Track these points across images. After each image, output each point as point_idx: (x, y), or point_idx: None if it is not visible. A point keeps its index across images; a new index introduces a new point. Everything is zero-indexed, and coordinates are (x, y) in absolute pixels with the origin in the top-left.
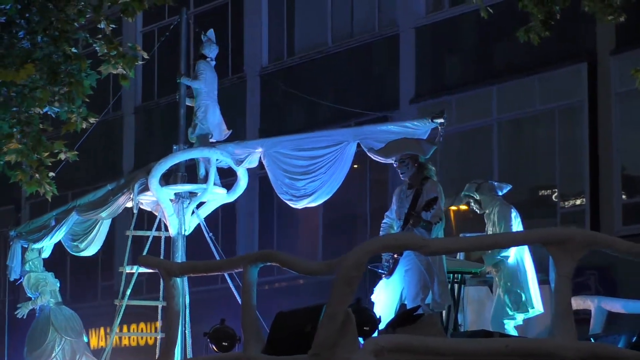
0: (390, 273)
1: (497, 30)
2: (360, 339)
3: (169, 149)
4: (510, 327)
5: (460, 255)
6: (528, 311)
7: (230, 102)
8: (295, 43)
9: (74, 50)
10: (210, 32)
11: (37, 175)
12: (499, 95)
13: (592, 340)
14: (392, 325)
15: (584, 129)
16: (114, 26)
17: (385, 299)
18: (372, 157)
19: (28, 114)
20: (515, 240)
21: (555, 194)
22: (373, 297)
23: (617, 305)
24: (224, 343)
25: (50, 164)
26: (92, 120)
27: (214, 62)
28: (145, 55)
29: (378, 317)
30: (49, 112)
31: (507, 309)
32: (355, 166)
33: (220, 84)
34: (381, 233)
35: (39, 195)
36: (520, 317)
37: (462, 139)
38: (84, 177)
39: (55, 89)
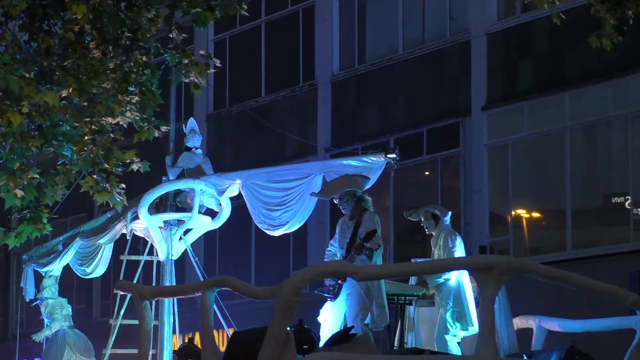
0: (335, 296)
1: (569, 36)
2: (301, 356)
3: (241, 156)
4: (452, 343)
5: (412, 280)
6: (467, 328)
7: (301, 110)
8: (366, 50)
9: (145, 59)
10: (191, 122)
11: (107, 185)
12: (571, 101)
13: (525, 357)
14: (328, 343)
15: None
16: (185, 35)
17: (331, 320)
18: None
19: (99, 123)
20: (444, 267)
21: (629, 200)
22: (319, 319)
23: (555, 325)
24: None
25: (120, 173)
26: (163, 128)
27: (199, 151)
28: (218, 63)
29: (317, 336)
30: (120, 122)
31: (449, 325)
32: (427, 173)
33: (291, 92)
34: (326, 260)
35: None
36: (461, 334)
37: (534, 146)
38: (155, 183)
39: (126, 98)
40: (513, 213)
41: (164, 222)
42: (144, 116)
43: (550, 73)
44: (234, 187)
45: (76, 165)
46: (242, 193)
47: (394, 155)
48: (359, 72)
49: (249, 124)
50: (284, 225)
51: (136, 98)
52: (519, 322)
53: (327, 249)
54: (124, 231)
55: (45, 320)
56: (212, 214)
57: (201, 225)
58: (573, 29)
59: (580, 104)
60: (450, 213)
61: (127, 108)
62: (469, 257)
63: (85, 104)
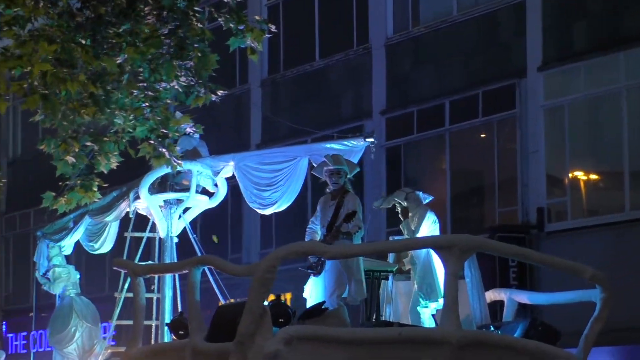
0: (319, 272)
1: None
2: (277, 329)
3: (296, 120)
4: (425, 315)
5: (390, 257)
6: (437, 300)
7: (355, 74)
8: (420, 12)
9: (199, 25)
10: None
11: (164, 150)
12: (627, 60)
13: (492, 328)
14: (302, 317)
15: None
16: (239, 0)
17: (316, 295)
18: (324, 159)
19: (155, 88)
20: (408, 246)
21: None
22: (305, 295)
23: (524, 297)
24: (180, 332)
25: (177, 137)
26: (220, 92)
27: (196, 135)
28: (273, 29)
29: (293, 310)
30: (176, 86)
31: (420, 299)
32: (483, 135)
33: (345, 56)
34: (306, 238)
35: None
36: (433, 305)
37: (591, 106)
38: (213, 150)
39: (181, 64)
40: (570, 175)
41: (164, 201)
42: (200, 81)
43: (605, 32)
44: (228, 168)
45: (129, 133)
46: (235, 174)
47: (372, 139)
48: (413, 35)
49: (304, 88)
50: (273, 204)
51: (191, 63)
52: (491, 295)
53: (308, 226)
54: (128, 209)
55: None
56: (209, 193)
57: (199, 204)
58: None
59: (636, 63)
60: (429, 197)
61: (182, 73)
62: (432, 237)
63: (141, 70)
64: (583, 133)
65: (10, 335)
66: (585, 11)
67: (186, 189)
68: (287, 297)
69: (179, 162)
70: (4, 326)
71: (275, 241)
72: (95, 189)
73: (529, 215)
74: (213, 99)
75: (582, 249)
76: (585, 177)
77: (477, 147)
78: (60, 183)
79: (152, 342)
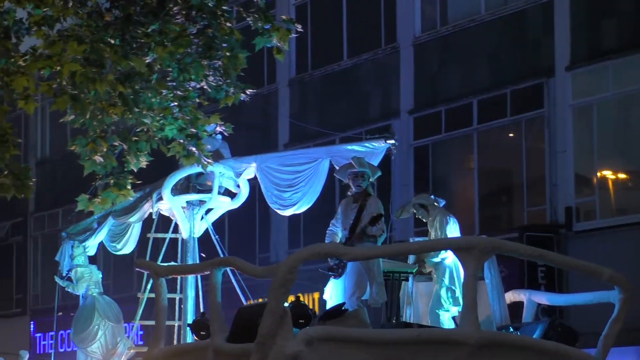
0: (340, 275)
1: None
2: (297, 330)
3: (324, 120)
4: (445, 317)
5: (410, 258)
6: (460, 304)
7: (383, 73)
8: (448, 11)
9: (228, 24)
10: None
11: (194, 149)
12: None
13: (511, 329)
14: (322, 318)
15: None
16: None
17: (336, 297)
18: (350, 162)
19: (184, 88)
20: (429, 247)
21: None
22: (325, 296)
23: (543, 298)
24: (202, 332)
25: (206, 136)
26: (249, 91)
27: (219, 136)
28: (299, 29)
29: (313, 311)
30: (204, 86)
31: (443, 302)
32: (511, 135)
33: (373, 55)
34: (326, 240)
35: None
36: (454, 310)
37: (619, 105)
38: (240, 150)
39: (210, 63)
40: (599, 174)
41: (187, 202)
42: (228, 80)
43: (634, 31)
44: (250, 169)
45: (159, 132)
46: (257, 175)
47: (393, 141)
48: (441, 34)
49: (331, 88)
50: (294, 205)
51: (220, 62)
52: (511, 296)
53: (329, 228)
54: (151, 210)
55: (73, 286)
56: (231, 194)
57: (221, 205)
58: None
59: None
60: (443, 201)
61: (210, 73)
62: (452, 238)
63: (170, 69)
64: (611, 132)
65: (38, 335)
66: (614, 9)
67: (208, 190)
68: (315, 296)
69: (209, 160)
70: (32, 326)
71: (303, 241)
72: (129, 187)
73: (558, 215)
74: (242, 98)
75: (610, 248)
76: (613, 177)
77: (505, 147)
78: (92, 183)
79: (175, 342)
